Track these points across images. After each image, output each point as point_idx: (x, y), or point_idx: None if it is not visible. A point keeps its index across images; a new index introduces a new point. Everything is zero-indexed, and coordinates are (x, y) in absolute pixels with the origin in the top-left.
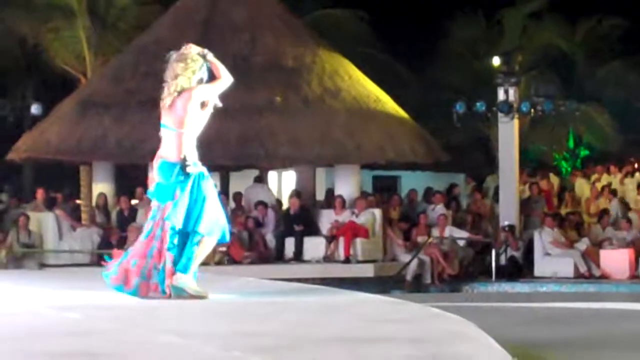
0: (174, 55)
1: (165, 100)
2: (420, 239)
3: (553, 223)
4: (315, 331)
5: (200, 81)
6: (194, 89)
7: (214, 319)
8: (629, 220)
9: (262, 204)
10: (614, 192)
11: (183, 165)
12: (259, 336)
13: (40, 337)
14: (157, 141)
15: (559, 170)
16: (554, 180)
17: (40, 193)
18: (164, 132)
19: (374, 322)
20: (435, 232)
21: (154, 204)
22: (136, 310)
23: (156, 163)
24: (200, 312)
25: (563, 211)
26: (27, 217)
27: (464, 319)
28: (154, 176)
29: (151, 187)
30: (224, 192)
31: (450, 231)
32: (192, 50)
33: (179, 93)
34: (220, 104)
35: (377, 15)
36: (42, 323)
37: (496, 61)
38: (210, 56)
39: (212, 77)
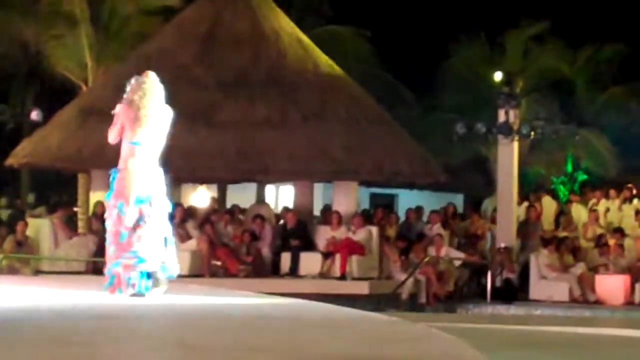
0: (146, 81)
1: (145, 122)
2: (416, 258)
3: (550, 246)
4: (315, 348)
5: None
6: (168, 112)
7: (214, 331)
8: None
9: (259, 217)
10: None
11: None
12: (260, 351)
13: (32, 344)
14: None
15: (556, 194)
16: (550, 203)
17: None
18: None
19: (373, 341)
20: (432, 251)
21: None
22: (132, 319)
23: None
24: (198, 323)
25: (559, 235)
26: (25, 223)
27: (461, 340)
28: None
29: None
30: (221, 204)
31: (447, 251)
32: (155, 78)
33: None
34: None
35: (380, 34)
36: (35, 329)
37: (498, 76)
38: None
39: None
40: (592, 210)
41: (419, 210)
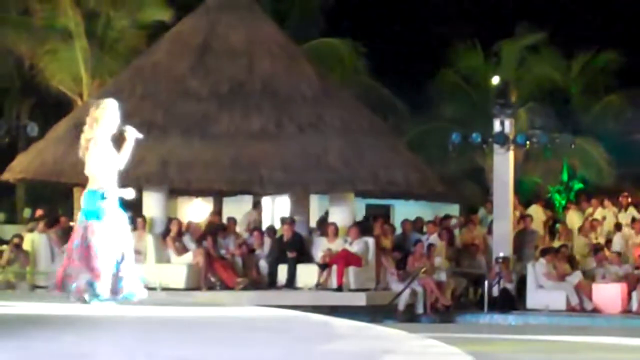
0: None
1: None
2: (413, 269)
3: (547, 255)
4: None
5: None
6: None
7: (212, 343)
8: (621, 255)
9: (257, 230)
10: (617, 226)
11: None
12: None
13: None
14: (153, 164)
15: (552, 203)
16: (538, 212)
17: (39, 214)
18: None
19: (370, 353)
20: (426, 261)
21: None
22: (132, 332)
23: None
24: (196, 335)
25: (556, 244)
26: (21, 238)
27: (462, 352)
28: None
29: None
30: (217, 217)
31: (441, 262)
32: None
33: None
34: None
35: (374, 45)
36: (37, 345)
37: (495, 80)
38: None
39: None
40: (589, 219)
41: (417, 221)
